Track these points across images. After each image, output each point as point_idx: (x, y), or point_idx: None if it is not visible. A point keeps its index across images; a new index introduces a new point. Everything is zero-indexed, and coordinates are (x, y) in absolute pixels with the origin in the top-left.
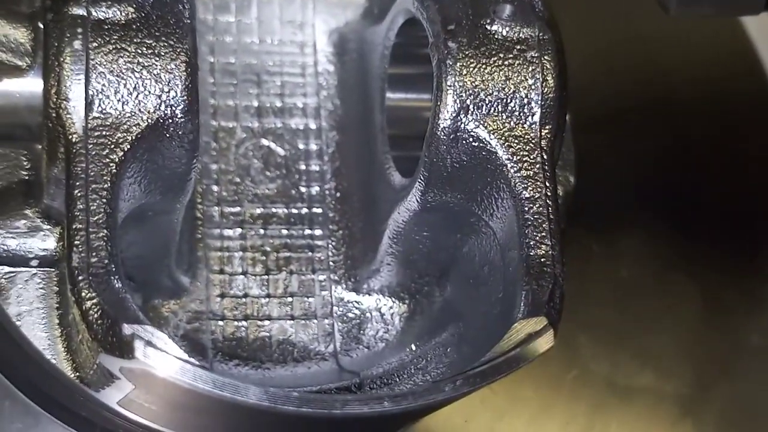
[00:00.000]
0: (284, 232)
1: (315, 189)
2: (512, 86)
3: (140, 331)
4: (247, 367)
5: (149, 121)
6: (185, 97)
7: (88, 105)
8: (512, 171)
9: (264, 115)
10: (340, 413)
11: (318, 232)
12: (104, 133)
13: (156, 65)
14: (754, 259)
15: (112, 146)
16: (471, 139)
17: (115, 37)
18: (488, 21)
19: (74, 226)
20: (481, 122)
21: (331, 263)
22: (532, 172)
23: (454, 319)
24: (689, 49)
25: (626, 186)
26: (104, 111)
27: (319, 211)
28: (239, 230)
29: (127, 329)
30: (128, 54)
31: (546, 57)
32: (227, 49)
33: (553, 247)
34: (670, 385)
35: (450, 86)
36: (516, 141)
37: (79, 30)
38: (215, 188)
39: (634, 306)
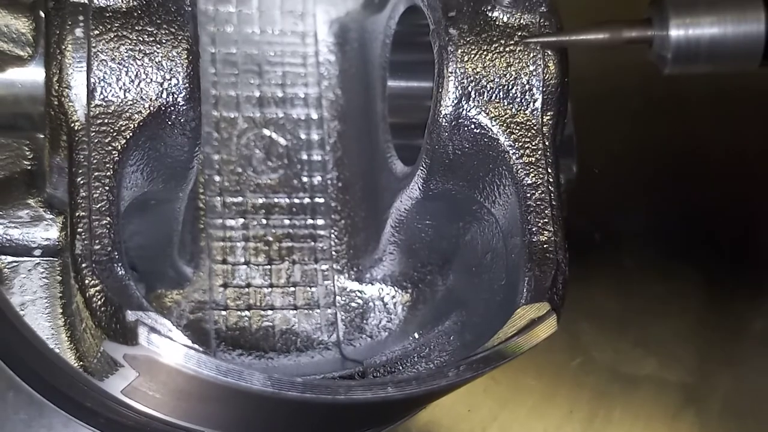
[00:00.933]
0: (286, 222)
1: (317, 179)
2: (513, 72)
3: (144, 318)
4: (250, 356)
5: (151, 108)
6: (187, 85)
7: (90, 93)
8: (514, 157)
9: (265, 105)
10: (344, 398)
11: (320, 221)
12: (106, 120)
13: (157, 53)
14: (756, 245)
15: (115, 134)
16: (472, 126)
17: (117, 24)
18: (489, 7)
19: (77, 214)
20: (483, 109)
21: (333, 253)
22: (534, 159)
23: (456, 307)
24: None
25: (628, 174)
26: (106, 99)
27: (322, 200)
28: (242, 220)
29: (131, 316)
30: (130, 41)
31: None
32: (228, 39)
33: (555, 233)
34: (673, 372)
35: (451, 73)
36: (518, 127)
37: (81, 18)
38: (217, 178)
39: (636, 294)
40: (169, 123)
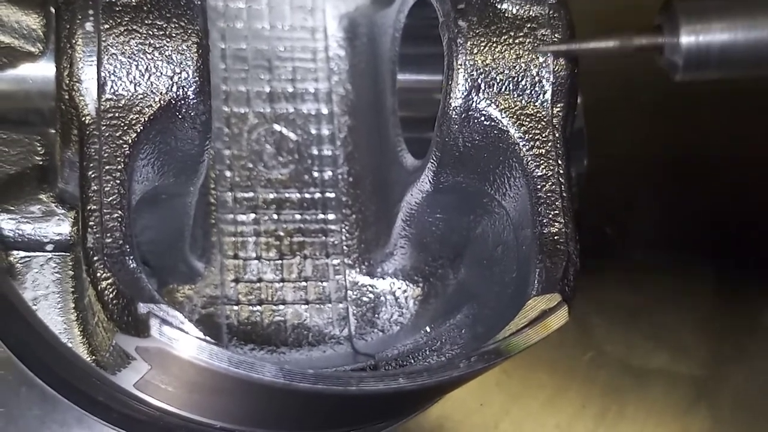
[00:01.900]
0: (297, 216)
1: (328, 173)
2: (523, 64)
3: (155, 310)
4: (262, 351)
5: (161, 102)
6: (197, 78)
7: (101, 87)
8: (524, 149)
9: (276, 100)
10: (356, 389)
11: (331, 216)
12: (117, 114)
13: (167, 46)
14: (767, 239)
15: (125, 128)
16: (482, 118)
17: (127, 18)
18: None
19: (89, 207)
20: (493, 101)
21: (344, 247)
22: (544, 150)
23: (468, 301)
24: None
25: (640, 168)
26: (117, 92)
27: (332, 195)
28: (253, 215)
29: (143, 308)
30: (140, 35)
31: (557, 35)
32: (238, 35)
33: (566, 224)
34: (685, 366)
35: (461, 65)
36: (528, 119)
37: (91, 12)
38: (228, 174)
39: (648, 287)
40: (180, 116)
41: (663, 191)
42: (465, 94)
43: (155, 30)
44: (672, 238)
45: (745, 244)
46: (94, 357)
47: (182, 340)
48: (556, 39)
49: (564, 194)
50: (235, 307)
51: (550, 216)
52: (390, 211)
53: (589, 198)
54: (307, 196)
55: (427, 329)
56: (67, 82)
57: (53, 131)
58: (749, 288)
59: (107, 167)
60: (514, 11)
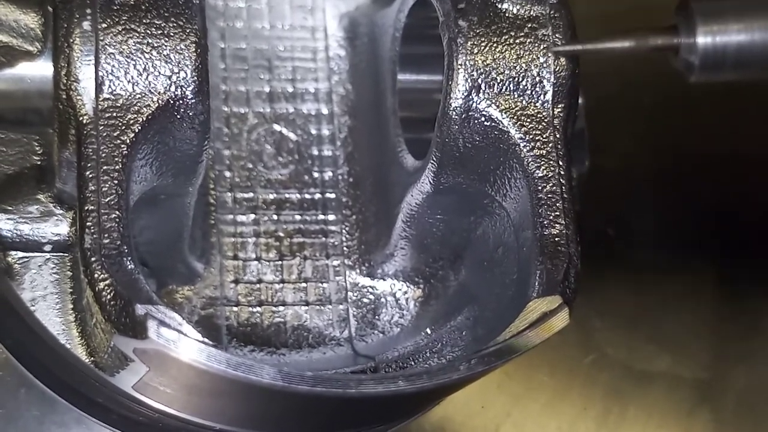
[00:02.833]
0: (297, 217)
1: (328, 174)
2: (524, 65)
3: (153, 311)
4: (261, 352)
5: (160, 102)
6: (195, 78)
7: (99, 86)
8: (525, 150)
9: (276, 100)
10: (355, 392)
11: (331, 217)
12: (115, 114)
13: (165, 46)
14: None
15: (123, 127)
16: (483, 119)
17: (125, 17)
18: None
19: (86, 208)
20: (493, 101)
21: (344, 248)
22: (545, 151)
23: (468, 302)
24: None
25: (642, 169)
26: (114, 92)
27: (332, 196)
28: (252, 216)
29: (140, 309)
30: (138, 35)
31: (557, 35)
32: (238, 34)
33: (567, 226)
34: (687, 369)
35: (461, 65)
36: (528, 120)
37: (88, 11)
38: (228, 174)
39: (650, 290)
40: (178, 116)
41: (664, 192)
42: (465, 94)
43: (153, 29)
44: (674, 240)
45: (747, 246)
46: (92, 358)
47: (180, 341)
48: (557, 39)
49: (565, 195)
50: (235, 309)
51: (551, 217)
52: (390, 211)
53: (590, 199)
54: (307, 196)
55: (428, 331)
56: (65, 81)
57: (51, 131)
58: (751, 290)
59: (105, 167)
60: (515, 11)
